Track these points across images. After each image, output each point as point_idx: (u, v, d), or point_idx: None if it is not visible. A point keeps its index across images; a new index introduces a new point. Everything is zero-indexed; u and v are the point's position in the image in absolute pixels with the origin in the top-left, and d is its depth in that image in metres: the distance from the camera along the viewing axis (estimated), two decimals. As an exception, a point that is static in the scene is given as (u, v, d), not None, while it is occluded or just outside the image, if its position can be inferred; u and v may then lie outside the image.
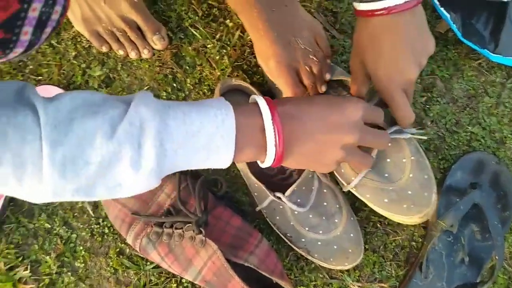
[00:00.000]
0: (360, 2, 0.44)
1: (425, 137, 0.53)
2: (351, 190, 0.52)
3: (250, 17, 0.54)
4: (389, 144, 0.49)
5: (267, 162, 0.39)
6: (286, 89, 0.53)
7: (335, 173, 0.53)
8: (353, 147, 0.42)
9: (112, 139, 0.33)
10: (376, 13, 0.43)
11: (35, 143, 0.32)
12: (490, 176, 0.58)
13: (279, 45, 0.53)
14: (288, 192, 0.52)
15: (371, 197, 0.50)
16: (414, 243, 0.59)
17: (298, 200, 0.53)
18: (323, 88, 0.55)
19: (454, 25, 0.58)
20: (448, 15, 0.58)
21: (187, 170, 0.58)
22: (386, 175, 0.49)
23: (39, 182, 0.33)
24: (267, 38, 0.53)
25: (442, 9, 0.57)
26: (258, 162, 0.41)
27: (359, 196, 0.52)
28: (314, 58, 0.54)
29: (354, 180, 0.50)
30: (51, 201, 0.35)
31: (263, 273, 0.49)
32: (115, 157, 0.34)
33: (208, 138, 0.36)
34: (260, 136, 0.38)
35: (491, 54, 0.59)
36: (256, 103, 0.39)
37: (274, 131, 0.38)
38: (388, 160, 0.49)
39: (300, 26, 0.55)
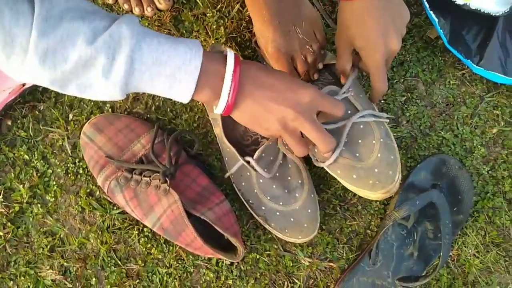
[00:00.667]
0: None
1: (387, 120, 0.56)
2: (324, 167, 0.54)
3: (257, 2, 0.57)
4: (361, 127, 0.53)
5: (218, 108, 0.44)
6: None
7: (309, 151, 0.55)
8: (291, 126, 0.45)
9: (91, 44, 0.37)
10: None
11: (26, 29, 0.36)
12: (451, 179, 0.61)
13: (280, 32, 0.56)
14: (255, 155, 0.55)
15: (341, 173, 0.53)
16: (369, 231, 0.61)
17: (265, 170, 0.56)
18: (315, 76, 0.59)
19: (441, 30, 0.60)
20: (436, 20, 0.60)
21: (165, 126, 0.61)
22: (357, 154, 0.53)
23: (22, 63, 0.37)
24: (269, 24, 0.56)
25: (431, 12, 0.59)
26: (213, 107, 0.45)
27: (330, 172, 0.54)
28: (310, 48, 0.58)
29: (329, 159, 0.53)
30: (33, 83, 0.39)
31: (217, 228, 0.51)
32: (90, 61, 0.38)
33: (173, 70, 0.40)
34: (218, 84, 0.42)
35: (474, 66, 0.61)
36: (225, 55, 0.43)
37: (231, 84, 0.42)
38: (360, 141, 0.53)
39: (301, 16, 0.58)
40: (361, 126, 0.53)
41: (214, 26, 0.64)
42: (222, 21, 0.65)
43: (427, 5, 0.59)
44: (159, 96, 0.63)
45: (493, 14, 0.58)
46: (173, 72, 0.40)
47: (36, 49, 0.36)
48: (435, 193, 0.58)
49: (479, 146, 0.63)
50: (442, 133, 0.64)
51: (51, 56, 0.37)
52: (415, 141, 0.63)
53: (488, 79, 0.63)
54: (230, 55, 0.42)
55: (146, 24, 0.65)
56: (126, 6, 0.65)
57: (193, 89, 0.41)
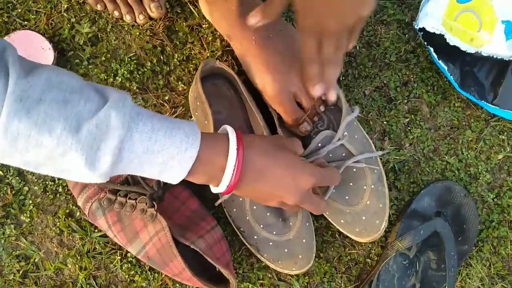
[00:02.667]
0: None
1: (380, 153, 0.55)
2: None
3: (244, 41, 0.54)
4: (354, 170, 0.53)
5: (215, 190, 0.43)
6: (285, 116, 0.53)
7: None
8: (290, 206, 0.46)
9: (73, 134, 0.33)
10: None
11: None
12: (456, 207, 0.58)
13: (276, 72, 0.53)
14: None
15: (329, 215, 0.54)
16: (369, 260, 0.58)
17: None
18: (322, 108, 0.55)
19: (451, 76, 0.58)
20: (445, 67, 0.57)
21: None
22: (347, 197, 0.53)
23: None
24: (262, 65, 0.53)
25: (440, 61, 0.57)
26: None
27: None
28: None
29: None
30: (2, 162, 0.35)
31: (208, 259, 0.47)
32: (70, 151, 0.34)
33: (166, 159, 0.37)
34: (216, 172, 0.40)
35: (489, 105, 0.58)
36: (227, 138, 0.41)
37: (232, 176, 0.40)
38: (351, 184, 0.53)
39: (296, 49, 0.54)
40: (354, 170, 0.53)
41: (209, 38, 0.61)
42: (218, 33, 0.61)
43: (435, 55, 0.57)
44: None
45: (506, 59, 0.55)
46: (165, 161, 0.37)
47: (5, 131, 0.32)
48: (440, 222, 0.55)
49: (484, 172, 0.60)
50: (446, 157, 0.61)
51: (23, 140, 0.33)
52: (418, 165, 0.60)
53: (504, 118, 0.61)
54: (233, 144, 0.40)
55: (138, 33, 0.61)
56: (116, 13, 0.61)
57: (185, 174, 0.38)
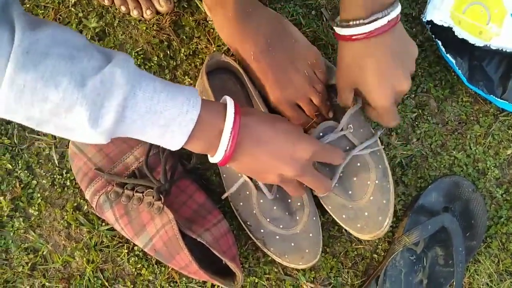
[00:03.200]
0: (341, 27, 0.45)
1: (379, 133, 0.55)
2: (318, 197, 0.54)
3: (243, 56, 0.54)
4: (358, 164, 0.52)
5: (214, 159, 0.42)
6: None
7: None
8: (289, 179, 0.45)
9: (79, 88, 0.33)
10: (357, 37, 0.44)
11: (1, 59, 0.32)
12: (464, 203, 0.57)
13: (275, 86, 0.54)
14: None
15: (332, 209, 0.54)
16: (376, 255, 0.57)
17: (267, 189, 0.52)
18: (330, 114, 0.56)
19: (460, 70, 0.57)
20: (453, 61, 0.56)
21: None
22: (350, 192, 0.52)
23: None
24: (261, 79, 0.54)
25: (448, 55, 0.56)
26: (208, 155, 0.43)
27: (323, 204, 0.54)
28: (314, 89, 0.55)
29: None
30: (3, 117, 0.35)
31: (215, 252, 0.47)
32: (75, 106, 0.34)
33: (167, 120, 0.37)
34: (215, 137, 0.40)
35: (498, 99, 0.58)
36: (225, 105, 0.41)
37: (229, 140, 0.40)
38: (355, 179, 0.52)
39: (298, 57, 0.55)
40: (358, 164, 0.52)
41: (216, 33, 0.61)
42: (225, 29, 0.61)
43: (443, 49, 0.56)
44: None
45: None
46: (167, 123, 0.37)
47: (11, 84, 0.32)
48: (448, 217, 0.54)
49: (492, 168, 0.60)
50: (454, 152, 0.60)
51: (29, 93, 0.33)
52: (425, 160, 0.60)
53: None
54: (230, 108, 0.40)
55: (144, 28, 0.61)
56: (123, 9, 0.61)
57: (186, 139, 0.38)
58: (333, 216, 0.54)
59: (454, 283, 0.52)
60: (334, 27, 0.46)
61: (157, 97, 0.36)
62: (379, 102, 0.47)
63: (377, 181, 0.52)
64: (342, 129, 0.51)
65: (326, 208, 0.54)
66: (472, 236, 0.56)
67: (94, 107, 0.34)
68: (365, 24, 0.43)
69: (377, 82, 0.45)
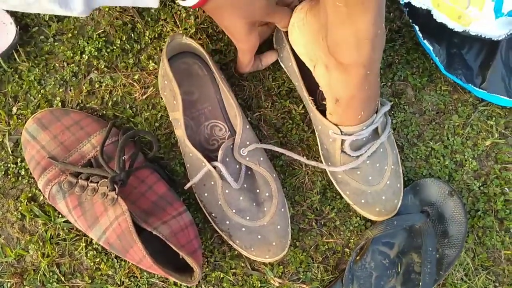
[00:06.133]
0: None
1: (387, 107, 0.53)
2: (333, 182, 0.54)
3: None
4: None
5: (187, 3, 0.43)
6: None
7: (321, 154, 0.54)
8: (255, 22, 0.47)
9: None
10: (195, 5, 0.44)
11: None
12: (441, 208, 0.54)
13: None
14: (219, 157, 0.49)
15: (350, 195, 0.53)
16: (347, 249, 0.55)
17: (232, 178, 0.49)
18: None
19: (437, 57, 0.54)
20: (431, 48, 0.54)
21: (122, 125, 0.54)
22: (370, 178, 0.52)
23: None
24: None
25: (425, 41, 0.54)
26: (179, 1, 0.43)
27: (338, 189, 0.54)
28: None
29: (350, 164, 0.50)
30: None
31: (171, 245, 0.44)
32: None
33: None
34: None
35: (477, 89, 0.55)
36: None
37: None
38: (378, 165, 0.52)
39: None
40: (381, 150, 0.52)
41: (183, 15, 0.57)
42: (192, 10, 0.58)
43: (420, 34, 0.53)
44: (117, 91, 0.56)
45: (495, 39, 0.52)
46: None
47: None
48: (419, 216, 0.52)
49: (470, 159, 0.58)
50: (431, 143, 0.58)
51: None
52: (401, 151, 0.57)
53: (491, 102, 0.57)
54: None
55: (107, 9, 0.58)
56: (85, -12, 0.57)
57: None
58: (350, 202, 0.53)
59: (421, 283, 0.49)
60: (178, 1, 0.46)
61: None
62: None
63: (393, 166, 0.52)
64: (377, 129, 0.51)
65: (343, 194, 0.53)
66: (449, 244, 0.53)
67: None
68: None
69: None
